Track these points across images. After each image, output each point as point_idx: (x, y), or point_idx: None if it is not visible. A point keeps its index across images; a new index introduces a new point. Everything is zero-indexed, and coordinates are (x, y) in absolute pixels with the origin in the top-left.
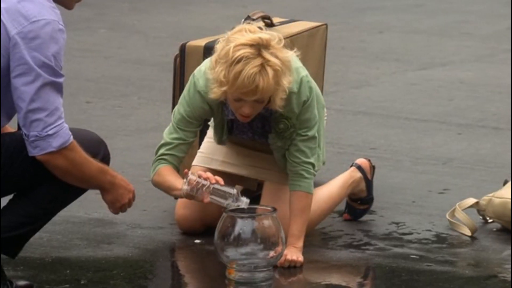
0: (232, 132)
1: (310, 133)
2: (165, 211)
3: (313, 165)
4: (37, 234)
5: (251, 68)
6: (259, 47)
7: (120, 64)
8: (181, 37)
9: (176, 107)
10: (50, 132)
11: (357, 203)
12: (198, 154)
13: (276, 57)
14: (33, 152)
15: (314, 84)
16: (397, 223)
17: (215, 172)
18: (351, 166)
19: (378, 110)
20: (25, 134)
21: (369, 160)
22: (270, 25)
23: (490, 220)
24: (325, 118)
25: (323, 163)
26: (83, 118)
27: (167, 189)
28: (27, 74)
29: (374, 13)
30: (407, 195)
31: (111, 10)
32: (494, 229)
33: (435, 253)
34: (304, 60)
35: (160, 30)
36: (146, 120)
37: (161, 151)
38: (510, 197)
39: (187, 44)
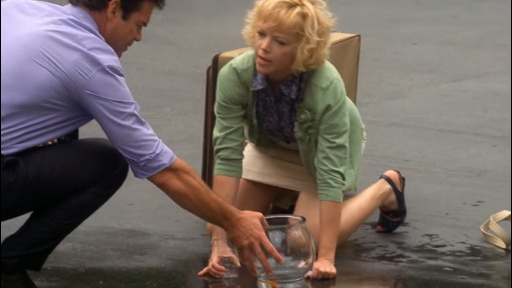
0: (259, 114)
1: (338, 141)
2: (197, 222)
3: (341, 174)
4: (70, 245)
5: (283, 0)
6: None
7: (153, 76)
8: (214, 48)
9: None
10: (157, 151)
11: (390, 216)
12: None
13: (314, 9)
14: (147, 174)
15: (348, 100)
16: (430, 235)
17: (251, 182)
18: (380, 178)
19: (411, 122)
20: (133, 161)
21: (398, 172)
22: None
23: None
24: (364, 140)
25: (355, 189)
26: None
27: None
28: (112, 115)
29: (408, 24)
30: (441, 207)
31: None
32: None
33: (469, 266)
34: (337, 71)
35: (193, 42)
36: (179, 131)
37: (215, 147)
38: None
39: (220, 55)
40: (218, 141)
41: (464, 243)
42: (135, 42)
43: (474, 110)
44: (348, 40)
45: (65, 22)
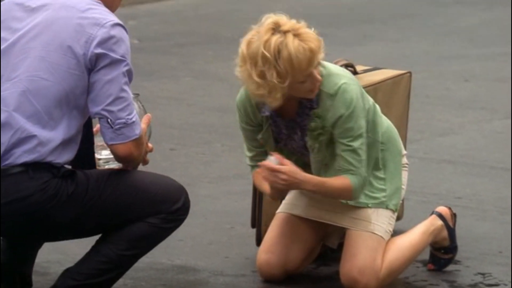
0: (281, 134)
1: (354, 144)
2: (247, 258)
3: (362, 176)
4: (121, 281)
5: (292, 43)
6: (275, 28)
7: (204, 112)
8: None
9: None
10: (134, 119)
11: (441, 252)
12: (282, 202)
13: (291, 23)
14: (117, 140)
15: (385, 118)
16: (483, 274)
17: (298, 218)
18: (431, 214)
19: (463, 159)
20: (109, 121)
21: (449, 208)
22: (353, 73)
23: None
24: (405, 167)
25: (396, 210)
26: (166, 165)
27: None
28: (109, 67)
29: (460, 62)
30: (494, 245)
31: (196, 58)
32: None
33: None
34: (387, 107)
35: None
36: (229, 167)
37: (247, 163)
38: None
39: None
40: (248, 160)
41: None
42: (186, 80)
43: None
44: (399, 76)
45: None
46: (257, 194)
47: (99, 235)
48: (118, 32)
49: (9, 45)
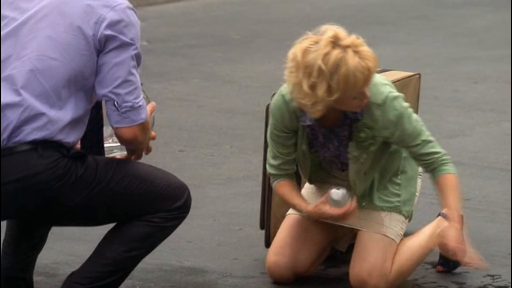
0: (315, 141)
1: (422, 138)
2: (256, 259)
3: (445, 154)
4: (130, 282)
5: (352, 59)
6: (335, 42)
7: (213, 113)
8: (273, 86)
9: None
10: (140, 103)
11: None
12: None
13: (351, 39)
14: (122, 123)
15: (404, 105)
16: (492, 276)
17: (309, 220)
18: (438, 215)
19: (472, 161)
20: (116, 104)
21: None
22: None
23: None
24: (420, 175)
25: (408, 216)
26: (176, 167)
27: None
28: (118, 50)
29: (469, 63)
30: (503, 247)
31: (205, 60)
32: None
33: None
34: None
35: (253, 80)
36: (238, 168)
37: (269, 170)
38: None
39: None
40: (271, 169)
41: None
42: (195, 81)
43: None
44: (408, 78)
45: None
46: (266, 196)
47: (102, 236)
48: (128, 15)
49: (19, 24)
